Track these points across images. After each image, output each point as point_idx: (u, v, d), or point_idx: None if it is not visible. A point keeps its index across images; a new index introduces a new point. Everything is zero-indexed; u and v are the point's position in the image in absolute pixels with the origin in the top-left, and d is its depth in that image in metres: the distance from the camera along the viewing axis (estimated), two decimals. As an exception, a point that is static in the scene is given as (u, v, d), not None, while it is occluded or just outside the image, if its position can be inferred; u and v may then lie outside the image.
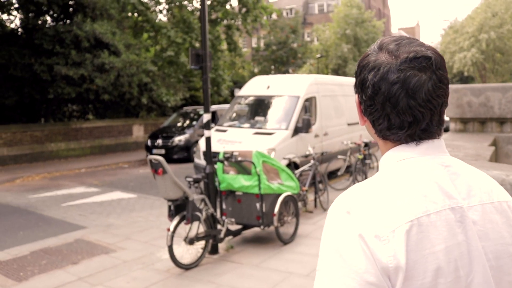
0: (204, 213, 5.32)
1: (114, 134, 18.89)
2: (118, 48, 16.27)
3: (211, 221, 5.49)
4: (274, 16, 28.20)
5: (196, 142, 15.58)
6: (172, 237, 4.97)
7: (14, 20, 16.50)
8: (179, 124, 16.79)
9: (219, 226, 5.64)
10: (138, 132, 19.98)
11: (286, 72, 26.59)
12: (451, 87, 5.12)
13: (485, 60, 41.26)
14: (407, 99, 0.93)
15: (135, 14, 20.70)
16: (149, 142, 15.75)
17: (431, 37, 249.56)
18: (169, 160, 15.32)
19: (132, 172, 13.63)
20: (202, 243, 5.39)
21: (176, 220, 5.03)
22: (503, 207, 0.99)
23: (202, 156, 9.67)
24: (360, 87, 1.01)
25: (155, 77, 18.67)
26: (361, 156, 10.31)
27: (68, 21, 16.01)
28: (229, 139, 9.45)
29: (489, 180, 1.03)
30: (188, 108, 18.13)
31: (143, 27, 20.85)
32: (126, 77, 16.38)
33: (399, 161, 0.98)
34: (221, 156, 5.86)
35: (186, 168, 14.05)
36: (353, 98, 7.51)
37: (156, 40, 20.71)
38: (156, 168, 4.90)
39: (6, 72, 15.75)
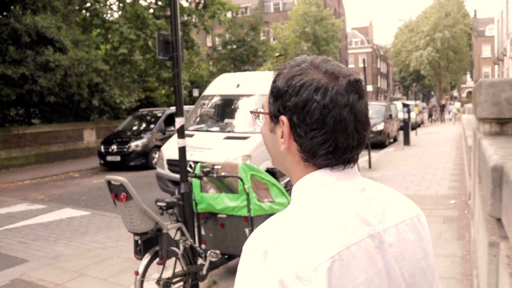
0: (181, 246, 4.10)
1: (63, 140, 17.15)
2: (65, 45, 14.61)
3: (191, 255, 4.27)
4: (229, 14, 27.06)
5: (155, 147, 14.23)
6: (142, 282, 3.72)
7: None
8: (135, 128, 15.33)
9: (199, 260, 4.43)
10: (90, 137, 18.29)
11: (247, 71, 25.61)
12: (486, 81, 4.16)
13: (440, 59, 41.73)
14: (354, 123, 0.93)
15: (83, 11, 19.05)
16: (102, 148, 14.23)
17: (384, 36, 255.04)
18: (125, 167, 13.90)
19: (84, 182, 12.11)
20: (179, 284, 4.17)
21: (146, 259, 3.79)
22: (414, 223, 1.01)
23: (166, 166, 8.39)
24: (300, 108, 0.92)
25: (107, 77, 17.09)
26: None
27: (4, 13, 14.19)
28: (197, 145, 8.21)
29: (399, 197, 1.04)
30: (144, 110, 16.68)
31: (92, 23, 19.20)
32: (74, 77, 14.74)
33: (322, 186, 0.95)
34: (197, 171, 4.63)
35: (145, 176, 12.67)
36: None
37: (106, 37, 19.10)
38: (117, 192, 3.64)
39: None
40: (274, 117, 0.98)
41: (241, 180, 4.47)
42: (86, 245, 6.43)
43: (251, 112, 1.10)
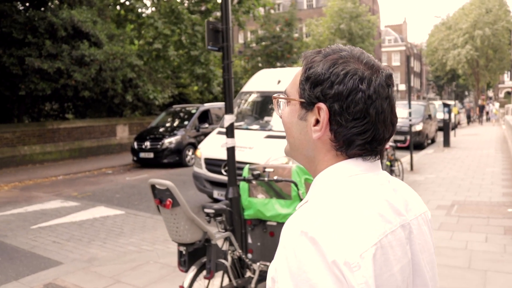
0: (229, 258, 3.69)
1: (96, 136, 17.05)
2: (100, 39, 14.42)
3: (239, 267, 3.86)
4: (262, 10, 26.60)
5: (189, 144, 13.93)
6: (187, 299, 3.32)
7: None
8: (168, 124, 15.06)
9: (248, 273, 4.01)
10: (123, 133, 18.16)
11: (282, 67, 25.11)
12: None
13: (479, 57, 40.28)
14: (391, 115, 0.96)
15: (118, 6, 18.91)
16: (135, 145, 14.00)
17: (418, 34, 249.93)
18: (158, 164, 13.65)
19: (117, 179, 11.88)
20: (226, 300, 3.76)
21: (192, 272, 3.38)
22: (426, 217, 1.04)
23: (203, 165, 8.01)
24: (344, 97, 0.91)
25: (141, 72, 16.87)
26: (388, 163, 8.80)
27: (41, 8, 14.09)
28: (237, 144, 7.80)
29: (413, 192, 1.07)
30: (177, 107, 16.41)
31: (126, 18, 19.05)
32: (109, 72, 14.54)
33: (351, 176, 0.94)
34: (246, 173, 4.21)
35: (179, 174, 12.37)
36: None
37: (140, 33, 18.91)
38: (162, 198, 3.24)
39: (-30, 65, 13.83)
40: (308, 104, 0.96)
41: (295, 185, 4.02)
42: (121, 248, 6.10)
43: (274, 97, 1.05)
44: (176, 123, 15.01)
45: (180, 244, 3.41)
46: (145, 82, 16.75)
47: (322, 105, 0.93)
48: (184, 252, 3.46)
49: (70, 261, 5.60)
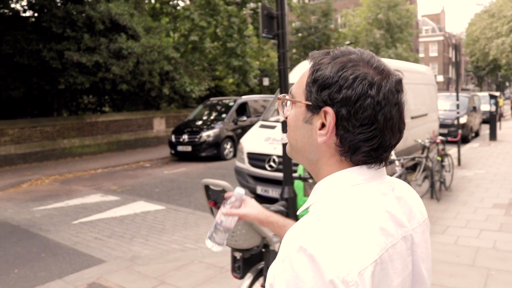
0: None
1: (133, 129, 17.06)
2: (137, 32, 14.32)
3: (294, 273, 3.57)
4: (297, 0, 26.09)
5: (227, 138, 13.72)
6: (243, 309, 3.05)
7: (19, 0, 14.63)
8: (206, 118, 14.88)
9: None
10: (159, 125, 18.13)
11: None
12: None
13: (524, 46, 38.60)
14: (399, 122, 0.93)
15: (153, 0, 18.84)
16: (173, 138, 13.89)
17: (457, 24, 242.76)
18: (196, 158, 13.51)
19: (156, 173, 11.78)
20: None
21: (248, 279, 3.10)
22: (426, 223, 1.03)
23: (246, 160, 7.75)
24: (352, 102, 0.88)
25: (177, 65, 16.73)
26: (439, 158, 8.32)
27: (80, 1, 14.08)
28: (280, 137, 7.51)
29: (418, 196, 1.05)
30: (214, 99, 16.22)
31: (162, 10, 18.96)
32: (146, 64, 14.43)
33: (353, 185, 0.92)
34: (301, 171, 3.90)
35: (217, 167, 12.18)
36: (418, 87, 5.67)
37: (175, 25, 18.79)
38: (216, 199, 2.97)
39: (11, 60, 13.95)
40: (314, 107, 0.93)
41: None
42: (164, 246, 5.91)
43: (279, 98, 1.03)
44: (213, 116, 14.82)
45: (235, 250, 3.14)
46: (181, 75, 16.62)
47: (329, 109, 0.90)
48: (238, 258, 3.20)
49: (112, 259, 5.44)
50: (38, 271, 5.12)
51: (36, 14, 14.81)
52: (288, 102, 1.01)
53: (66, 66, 13.61)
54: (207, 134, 13.50)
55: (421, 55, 66.23)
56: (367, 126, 0.88)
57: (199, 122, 14.44)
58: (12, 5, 14.61)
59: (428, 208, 7.00)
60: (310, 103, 0.93)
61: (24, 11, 15.12)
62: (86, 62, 13.07)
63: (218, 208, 2.95)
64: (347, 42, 29.63)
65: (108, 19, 13.75)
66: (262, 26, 3.52)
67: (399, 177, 5.96)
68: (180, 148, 13.62)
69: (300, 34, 26.70)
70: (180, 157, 13.97)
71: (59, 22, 13.52)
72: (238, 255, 3.14)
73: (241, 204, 1.59)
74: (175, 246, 5.89)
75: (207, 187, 3.02)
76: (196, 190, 9.33)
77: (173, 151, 13.90)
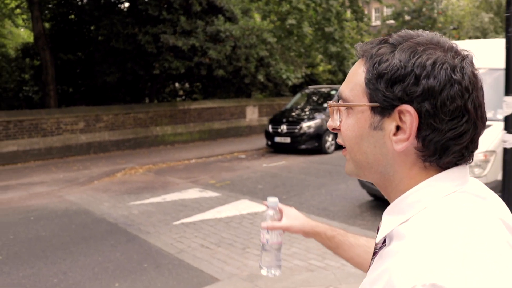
0: None
1: (226, 117, 16.29)
2: (235, 14, 13.42)
3: None
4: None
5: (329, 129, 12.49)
6: None
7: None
8: (304, 107, 13.72)
9: None
10: (252, 114, 17.23)
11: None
12: None
13: None
14: (484, 110, 0.76)
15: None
16: (270, 128, 12.88)
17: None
18: (295, 150, 12.42)
19: (254, 166, 10.82)
20: None
21: None
22: None
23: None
24: (437, 93, 0.72)
25: (273, 50, 15.66)
26: None
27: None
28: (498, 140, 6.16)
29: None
30: (313, 87, 14.99)
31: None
32: (243, 49, 13.51)
33: (446, 195, 0.74)
34: None
35: (320, 162, 11.01)
36: None
37: (273, 7, 17.72)
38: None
39: (107, 45, 13.62)
40: (384, 109, 0.75)
41: None
42: (285, 261, 4.83)
43: (330, 106, 0.84)
44: (313, 106, 13.63)
45: None
46: (277, 61, 15.54)
47: (407, 107, 0.73)
48: None
49: (227, 277, 4.46)
50: (141, 287, 4.25)
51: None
52: (342, 110, 0.82)
53: (161, 50, 13.03)
54: (308, 125, 12.33)
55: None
56: (457, 118, 0.72)
57: (298, 112, 13.31)
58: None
59: None
60: (378, 104, 0.76)
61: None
62: (182, 45, 12.37)
63: None
64: (451, 27, 27.07)
65: (205, 1, 12.96)
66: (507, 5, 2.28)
67: None
68: (277, 139, 12.59)
69: (400, 19, 24.68)
70: (276, 149, 12.96)
71: (155, 5, 12.94)
72: None
73: (282, 216, 1.39)
74: (297, 263, 4.81)
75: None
76: (304, 188, 8.23)
77: (269, 142, 12.90)
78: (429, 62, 0.72)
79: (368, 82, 0.77)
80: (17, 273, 4.60)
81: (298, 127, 12.32)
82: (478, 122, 0.74)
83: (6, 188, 8.58)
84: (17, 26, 23.43)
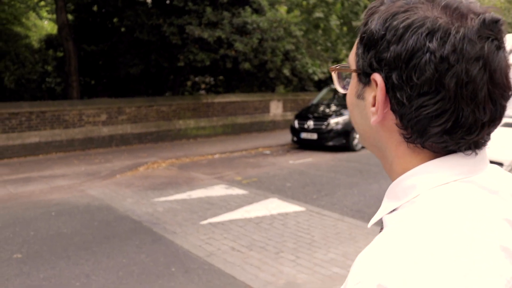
0: None
1: (249, 111, 15.92)
2: (262, 5, 13.03)
3: None
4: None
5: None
6: None
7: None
8: (331, 103, 13.27)
9: None
10: (276, 109, 16.83)
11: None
12: None
13: None
14: (489, 86, 0.61)
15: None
16: (296, 124, 12.49)
17: None
18: (321, 147, 12.02)
19: (280, 162, 10.45)
20: None
21: None
22: None
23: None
24: (403, 62, 0.62)
25: (299, 44, 15.23)
26: None
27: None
28: None
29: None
30: (340, 82, 14.50)
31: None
32: (270, 42, 13.11)
33: (443, 184, 0.64)
34: None
35: (348, 160, 10.59)
36: None
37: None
38: None
39: (131, 36, 13.36)
40: (363, 75, 0.69)
41: None
42: (323, 268, 4.47)
43: (332, 69, 0.79)
44: (339, 102, 13.18)
45: None
46: (303, 55, 15.11)
47: (376, 75, 0.66)
48: None
49: (262, 285, 4.10)
50: (169, 295, 3.92)
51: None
52: (344, 74, 0.79)
53: (186, 42, 12.70)
54: (336, 121, 11.91)
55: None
56: (428, 95, 0.62)
57: (325, 108, 12.88)
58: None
59: None
60: (356, 70, 0.71)
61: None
62: (207, 37, 12.03)
63: None
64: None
65: (231, -9, 12.60)
66: None
67: None
68: (304, 135, 12.19)
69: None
70: (301, 145, 12.56)
71: (181, -5, 12.61)
72: None
73: None
74: (337, 271, 4.43)
75: None
76: (335, 187, 7.83)
77: (295, 138, 12.51)
78: (403, 24, 0.62)
79: (356, 45, 0.72)
80: (37, 274, 4.31)
81: (325, 123, 11.90)
82: (461, 103, 0.61)
83: (27, 180, 8.37)
84: (41, 18, 23.40)
